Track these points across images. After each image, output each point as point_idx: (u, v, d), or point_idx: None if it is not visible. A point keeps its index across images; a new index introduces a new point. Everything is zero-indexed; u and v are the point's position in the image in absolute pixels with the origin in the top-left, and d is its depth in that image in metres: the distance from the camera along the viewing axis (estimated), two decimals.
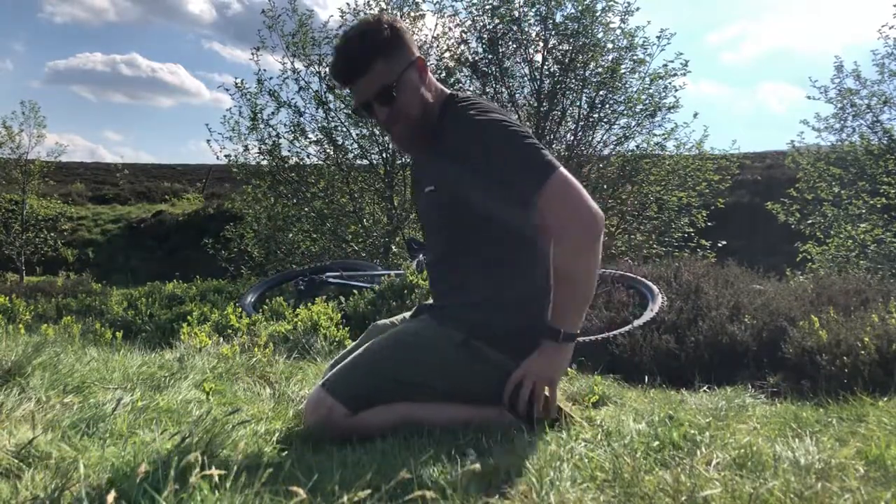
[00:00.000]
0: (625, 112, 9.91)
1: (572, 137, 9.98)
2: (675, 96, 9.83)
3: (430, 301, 2.00)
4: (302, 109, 10.22)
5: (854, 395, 2.29)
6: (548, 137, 9.62)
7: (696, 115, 12.45)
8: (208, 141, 10.25)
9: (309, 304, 4.04)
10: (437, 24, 10.48)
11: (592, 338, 3.33)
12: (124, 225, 21.59)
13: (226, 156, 10.36)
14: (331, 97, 10.09)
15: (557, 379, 1.75)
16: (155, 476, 1.06)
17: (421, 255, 5.40)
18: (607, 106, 9.88)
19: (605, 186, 9.98)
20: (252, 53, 10.24)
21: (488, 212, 1.71)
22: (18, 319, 4.44)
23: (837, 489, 1.20)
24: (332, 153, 10.25)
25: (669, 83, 9.78)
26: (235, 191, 12.80)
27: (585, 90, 9.77)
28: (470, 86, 9.99)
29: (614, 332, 3.34)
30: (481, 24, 9.82)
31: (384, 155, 10.26)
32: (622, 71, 9.72)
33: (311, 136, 10.28)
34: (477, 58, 9.87)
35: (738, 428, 1.75)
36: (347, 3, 10.42)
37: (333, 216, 10.16)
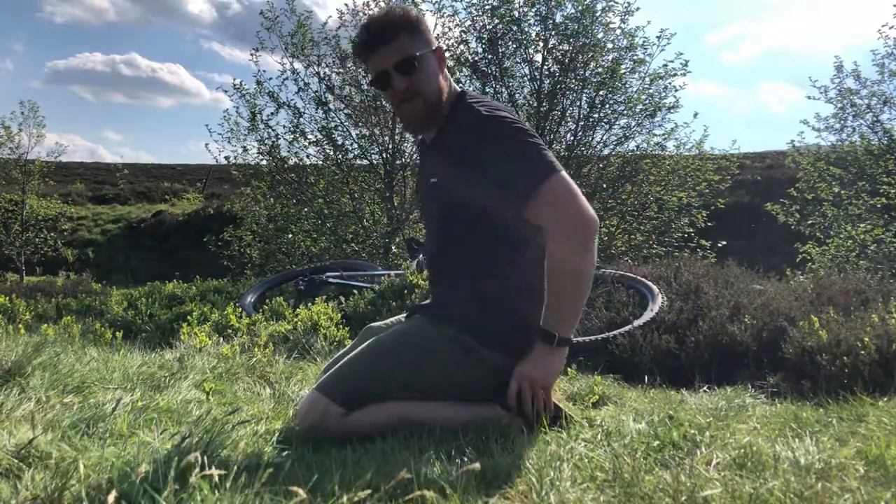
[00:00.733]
0: (625, 112, 9.91)
1: (572, 137, 9.98)
2: (675, 96, 9.85)
3: (428, 300, 2.00)
4: (301, 110, 10.23)
5: (854, 395, 2.29)
6: (548, 137, 9.62)
7: (696, 115, 12.48)
8: (207, 145, 10.26)
9: (309, 304, 4.04)
10: (436, 24, 10.48)
11: (592, 338, 3.33)
12: (124, 225, 21.58)
13: (225, 157, 10.37)
14: (330, 97, 10.10)
15: (552, 382, 1.74)
16: (155, 476, 1.06)
17: (421, 255, 5.39)
18: (607, 106, 9.87)
19: (604, 186, 9.98)
20: (251, 54, 10.25)
21: (487, 207, 1.72)
22: (18, 319, 4.44)
23: (837, 489, 1.20)
24: (331, 153, 10.25)
25: (669, 83, 9.79)
26: (235, 192, 12.80)
27: (585, 90, 9.77)
28: (470, 86, 9.97)
29: (614, 332, 3.34)
30: (481, 24, 9.83)
31: (384, 155, 10.26)
32: (622, 71, 9.71)
33: (310, 136, 10.29)
34: (477, 58, 9.87)
35: (738, 428, 1.75)
36: (346, 4, 10.43)
37: (333, 216, 10.16)
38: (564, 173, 1.66)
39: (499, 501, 1.17)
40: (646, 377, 2.87)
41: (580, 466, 1.34)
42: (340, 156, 10.24)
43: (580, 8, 9.54)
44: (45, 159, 17.42)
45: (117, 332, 3.50)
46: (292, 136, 10.21)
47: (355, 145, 10.32)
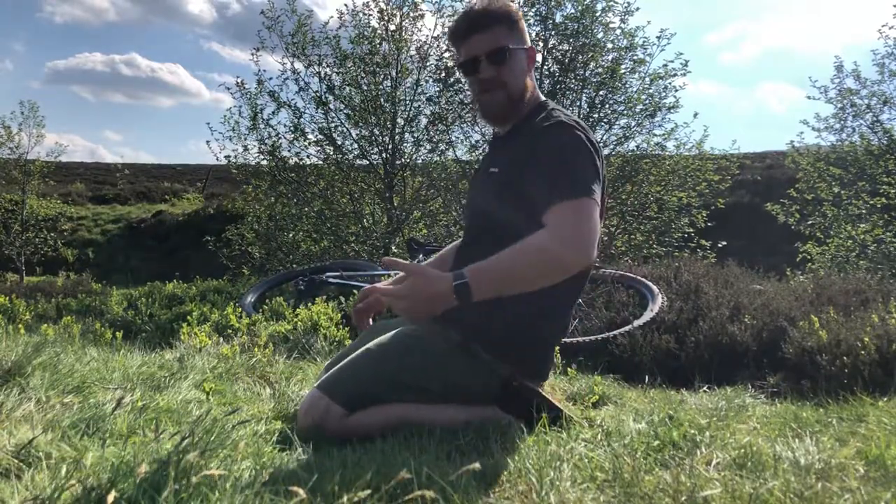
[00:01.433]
0: (625, 112, 9.90)
1: None
2: (675, 96, 9.84)
3: None
4: (302, 110, 10.23)
5: (854, 395, 2.29)
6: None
7: (696, 114, 12.47)
8: (208, 142, 10.25)
9: (309, 304, 4.04)
10: (436, 24, 10.48)
11: (592, 338, 3.33)
12: (124, 225, 21.58)
13: (226, 156, 10.37)
14: (330, 98, 10.10)
15: (418, 315, 1.58)
16: (155, 476, 1.06)
17: (421, 255, 5.40)
18: (607, 106, 9.87)
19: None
20: (252, 54, 10.25)
21: (531, 211, 1.69)
22: (18, 319, 4.44)
23: (837, 489, 1.20)
24: (331, 153, 10.25)
25: (669, 83, 9.78)
26: (236, 191, 12.80)
27: (585, 90, 9.76)
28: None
29: (614, 332, 3.34)
30: None
31: (384, 155, 10.26)
32: (622, 71, 9.71)
33: (310, 136, 10.29)
34: None
35: (738, 428, 1.75)
36: (346, 4, 10.43)
37: (333, 216, 10.16)
38: (594, 201, 1.62)
39: (499, 501, 1.17)
40: (646, 377, 2.87)
41: (580, 466, 1.34)
42: (340, 156, 10.24)
43: (580, 8, 9.54)
44: (44, 159, 17.42)
45: (117, 332, 3.50)
46: (293, 136, 10.22)
47: (355, 145, 10.32)
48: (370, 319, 1.96)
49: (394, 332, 1.83)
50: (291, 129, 10.20)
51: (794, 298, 3.64)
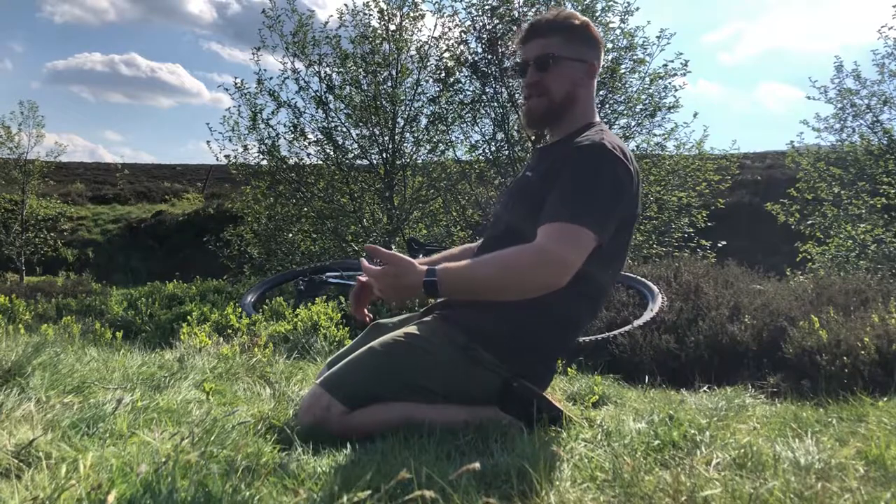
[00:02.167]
0: (624, 112, 9.91)
1: None
2: (674, 96, 9.84)
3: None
4: (302, 110, 10.24)
5: (854, 395, 2.29)
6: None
7: (695, 114, 12.46)
8: (208, 142, 10.25)
9: (309, 304, 4.04)
10: (436, 24, 10.49)
11: (592, 338, 3.33)
12: (124, 225, 21.58)
13: (225, 156, 10.37)
14: (330, 97, 10.10)
15: (388, 298, 1.66)
16: (155, 476, 1.06)
17: (421, 255, 5.40)
18: (607, 106, 9.87)
19: None
20: (252, 53, 10.25)
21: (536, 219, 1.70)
22: (18, 319, 4.45)
23: (837, 489, 1.20)
24: (331, 153, 10.26)
25: (669, 83, 9.79)
26: (236, 191, 12.80)
27: None
28: (470, 86, 9.99)
29: (614, 332, 3.34)
30: (481, 24, 9.81)
31: (384, 155, 10.26)
32: (622, 71, 9.71)
33: (310, 136, 10.29)
34: (477, 58, 9.87)
35: (738, 428, 1.75)
36: (346, 4, 10.44)
37: (333, 216, 10.16)
38: (589, 233, 1.60)
39: (499, 501, 1.17)
40: (646, 377, 2.87)
41: (580, 466, 1.34)
42: (340, 156, 10.24)
43: (580, 8, 9.54)
44: (44, 159, 17.42)
45: (117, 332, 3.50)
46: (292, 136, 10.22)
47: (355, 145, 10.33)
48: (366, 310, 1.96)
49: (397, 332, 1.83)
50: (291, 128, 10.21)
51: (794, 298, 3.64)
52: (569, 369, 2.66)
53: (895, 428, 1.74)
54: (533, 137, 2.07)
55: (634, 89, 9.86)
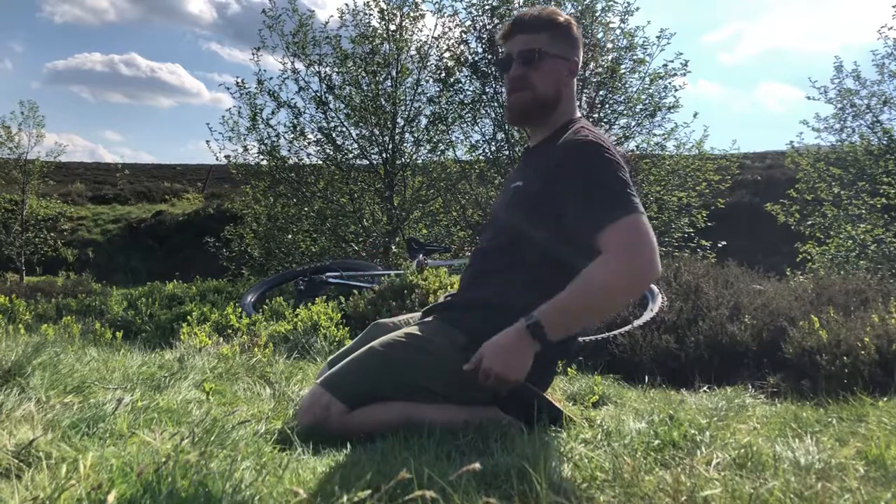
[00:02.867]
0: (625, 112, 9.91)
1: None
2: (674, 96, 9.84)
3: (449, 298, 2.00)
4: (301, 110, 10.24)
5: (854, 395, 2.29)
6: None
7: (695, 114, 12.46)
8: (208, 142, 10.26)
9: (309, 304, 4.04)
10: (436, 24, 10.49)
11: (592, 338, 3.33)
12: (124, 225, 21.57)
13: (225, 156, 10.37)
14: (330, 98, 10.10)
15: (508, 374, 1.60)
16: (155, 476, 1.06)
17: (421, 255, 5.40)
18: (607, 106, 9.87)
19: None
20: (252, 53, 10.26)
21: (551, 228, 1.71)
22: (18, 319, 4.45)
23: (837, 489, 1.20)
24: (331, 153, 10.26)
25: (669, 83, 9.79)
26: (236, 191, 12.80)
27: (585, 90, 9.76)
28: (470, 86, 9.99)
29: (614, 332, 3.34)
30: (481, 24, 9.81)
31: (384, 155, 10.26)
32: (622, 71, 9.71)
33: (310, 136, 10.29)
34: (477, 58, 9.86)
35: (738, 428, 1.75)
36: (346, 4, 10.44)
37: (333, 216, 10.16)
38: (641, 216, 1.61)
39: (499, 501, 1.17)
40: (646, 377, 2.87)
41: (580, 466, 1.34)
42: (340, 156, 10.24)
43: (580, 8, 9.54)
44: (44, 159, 17.40)
45: (117, 332, 3.50)
46: (292, 136, 10.22)
47: (355, 145, 10.33)
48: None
49: (397, 332, 1.83)
50: (291, 128, 10.21)
51: (794, 298, 3.64)
52: (569, 369, 2.66)
53: (895, 428, 1.74)
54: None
55: (634, 89, 9.87)
